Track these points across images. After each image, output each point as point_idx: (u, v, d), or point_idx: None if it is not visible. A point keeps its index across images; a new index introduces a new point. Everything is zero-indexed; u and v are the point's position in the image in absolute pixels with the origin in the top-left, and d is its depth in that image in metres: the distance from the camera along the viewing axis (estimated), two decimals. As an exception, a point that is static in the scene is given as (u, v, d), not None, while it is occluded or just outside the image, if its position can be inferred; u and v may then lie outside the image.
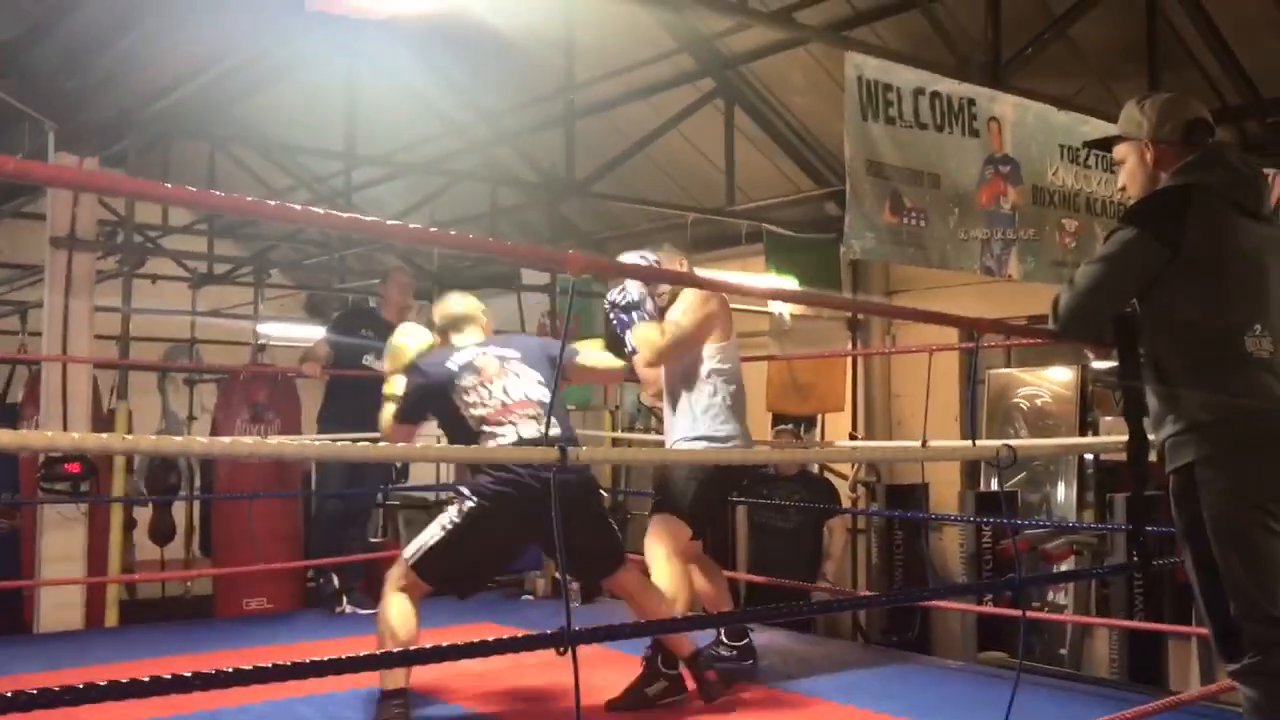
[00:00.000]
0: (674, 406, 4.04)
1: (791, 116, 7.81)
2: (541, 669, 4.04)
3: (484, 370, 3.78)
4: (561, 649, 1.87)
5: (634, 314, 3.92)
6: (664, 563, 3.74)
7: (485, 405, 3.67)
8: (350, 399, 5.78)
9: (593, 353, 4.19)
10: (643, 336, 3.88)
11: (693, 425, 3.96)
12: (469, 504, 3.50)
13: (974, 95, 4.99)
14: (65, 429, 5.51)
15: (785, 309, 7.67)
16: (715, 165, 7.98)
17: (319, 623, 5.52)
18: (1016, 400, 7.41)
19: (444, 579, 3.58)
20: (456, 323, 4.03)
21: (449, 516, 3.54)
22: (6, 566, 6.35)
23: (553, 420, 3.44)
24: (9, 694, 1.46)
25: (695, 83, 7.60)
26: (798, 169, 8.05)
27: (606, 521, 3.88)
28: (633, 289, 3.96)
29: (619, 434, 8.03)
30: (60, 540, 5.58)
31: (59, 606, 5.56)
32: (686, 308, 3.95)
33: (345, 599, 5.69)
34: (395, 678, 3.43)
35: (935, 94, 4.89)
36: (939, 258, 4.91)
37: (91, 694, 1.61)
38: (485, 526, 3.48)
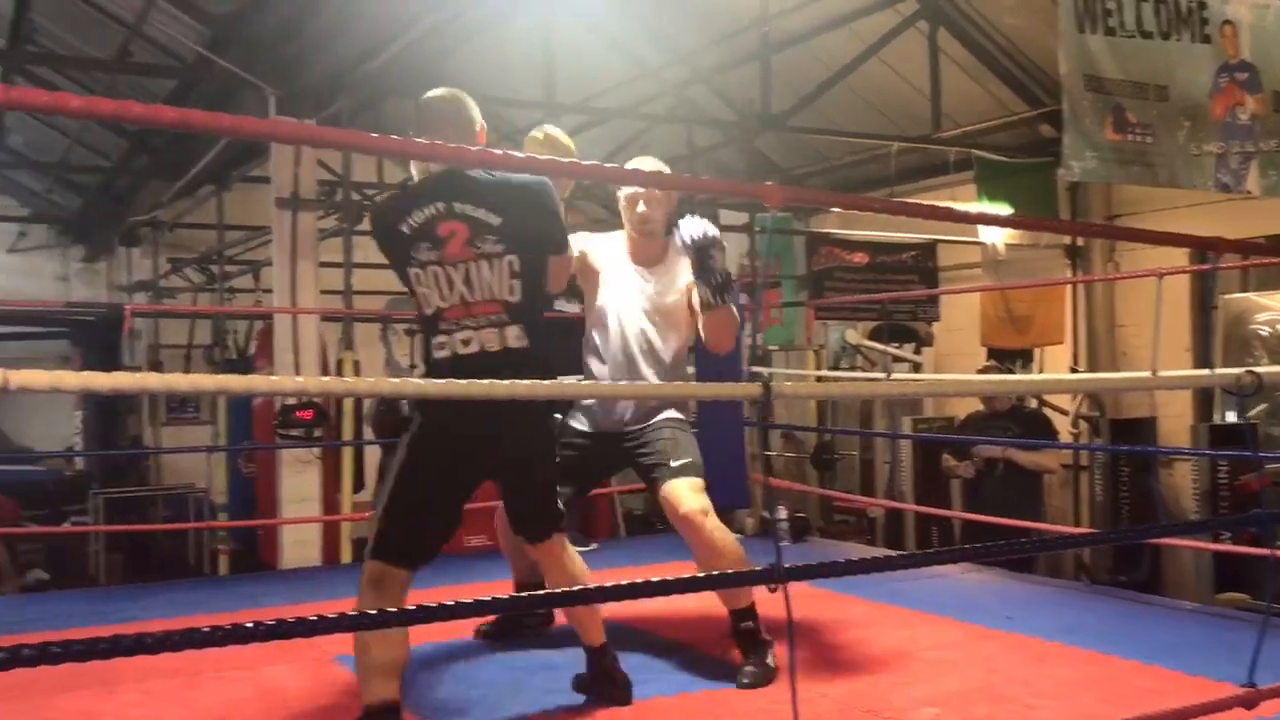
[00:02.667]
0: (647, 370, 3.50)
1: (1000, 35, 7.43)
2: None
3: (448, 241, 2.80)
4: (773, 586, 1.85)
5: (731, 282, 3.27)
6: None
7: (441, 298, 2.82)
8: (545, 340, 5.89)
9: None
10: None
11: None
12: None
13: (1205, -3, 4.61)
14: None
15: (998, 238, 7.36)
16: (920, 91, 7.68)
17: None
18: (1255, 326, 6.88)
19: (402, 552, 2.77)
20: (423, 131, 2.89)
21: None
22: (249, 508, 6.85)
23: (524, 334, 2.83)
24: (268, 623, 1.56)
25: (896, 6, 7.32)
26: (1008, 90, 7.67)
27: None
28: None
29: (823, 373, 7.92)
30: (297, 483, 5.96)
31: (298, 544, 5.95)
32: None
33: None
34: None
35: (1161, -1, 4.54)
36: (1168, 176, 4.59)
37: (340, 623, 1.71)
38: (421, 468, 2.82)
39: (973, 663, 3.47)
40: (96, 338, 10.23)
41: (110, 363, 10.05)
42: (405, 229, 2.81)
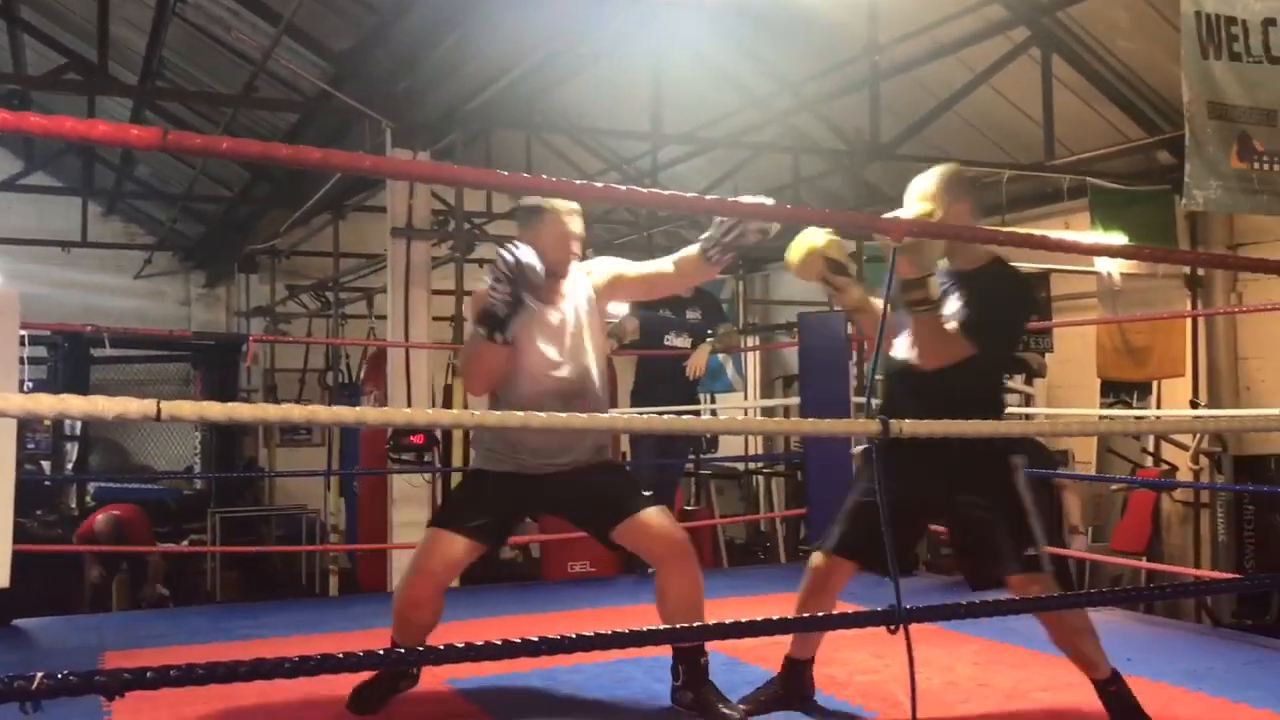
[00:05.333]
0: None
1: (1116, 61, 7.28)
2: (860, 641, 3.99)
3: None
4: (893, 627, 1.83)
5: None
6: None
7: None
8: (656, 374, 5.99)
9: None
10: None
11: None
12: None
13: (1338, 20, 4.45)
14: (409, 406, 6.00)
15: (1114, 268, 7.18)
16: (1031, 118, 7.56)
17: (635, 586, 5.73)
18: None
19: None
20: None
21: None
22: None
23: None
24: (381, 650, 1.60)
25: (1008, 33, 7.23)
26: (1125, 116, 7.50)
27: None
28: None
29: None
30: (408, 508, 6.07)
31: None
32: None
33: None
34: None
35: (1289, 23, 4.40)
36: (1297, 205, 4.43)
37: (449, 654, 1.73)
38: None
39: (1092, 706, 3.36)
40: (216, 361, 10.61)
41: (228, 385, 10.40)
42: None
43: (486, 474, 3.28)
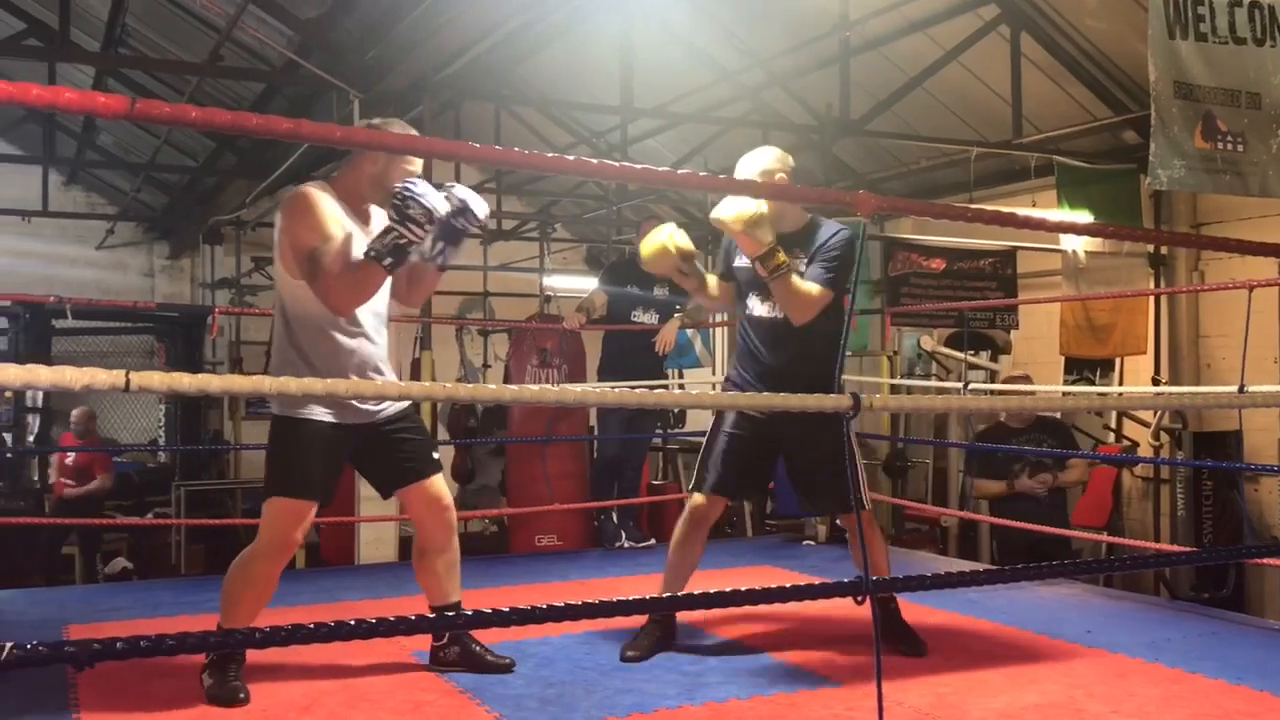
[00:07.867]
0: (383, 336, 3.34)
1: (1085, 40, 7.32)
2: (822, 614, 4.04)
3: None
4: (860, 598, 1.85)
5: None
6: None
7: None
8: (623, 349, 6.04)
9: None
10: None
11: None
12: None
13: (1302, 2, 4.51)
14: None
15: (1079, 246, 7.24)
16: (1000, 96, 7.60)
17: (602, 559, 5.77)
18: (1348, 340, 6.70)
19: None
20: None
21: None
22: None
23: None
24: (351, 622, 1.60)
25: (977, 10, 7.25)
26: (1092, 96, 7.55)
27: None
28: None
29: (897, 380, 7.84)
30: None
31: (375, 541, 6.05)
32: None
33: (623, 535, 5.98)
34: None
35: (1255, 4, 4.46)
36: (1260, 185, 4.49)
37: (421, 625, 1.74)
38: None
39: (1052, 677, 3.42)
40: (180, 334, 10.51)
41: (193, 357, 10.31)
42: None
43: (310, 425, 3.14)
